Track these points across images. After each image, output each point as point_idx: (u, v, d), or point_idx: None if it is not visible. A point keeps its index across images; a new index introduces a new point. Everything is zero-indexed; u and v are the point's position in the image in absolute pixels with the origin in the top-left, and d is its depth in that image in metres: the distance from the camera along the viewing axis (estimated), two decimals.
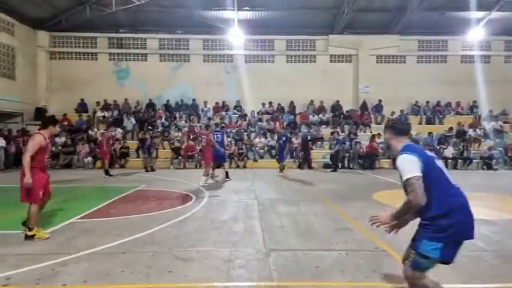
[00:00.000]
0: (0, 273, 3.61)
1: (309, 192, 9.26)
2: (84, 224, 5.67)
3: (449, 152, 16.34)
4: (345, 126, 18.47)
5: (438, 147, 16.77)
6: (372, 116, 19.32)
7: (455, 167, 15.90)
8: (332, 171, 14.60)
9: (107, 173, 12.25)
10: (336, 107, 19.46)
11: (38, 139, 4.83)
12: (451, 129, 17.86)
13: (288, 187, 10.05)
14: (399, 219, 2.64)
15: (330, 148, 16.35)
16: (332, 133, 16.76)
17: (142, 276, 3.61)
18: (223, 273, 3.69)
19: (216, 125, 14.10)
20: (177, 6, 17.89)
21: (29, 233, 4.77)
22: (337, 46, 19.84)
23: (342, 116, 19.17)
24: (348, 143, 16.27)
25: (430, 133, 17.31)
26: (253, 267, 3.84)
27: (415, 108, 19.78)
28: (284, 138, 13.21)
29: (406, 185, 2.47)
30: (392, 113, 19.19)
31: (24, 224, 4.94)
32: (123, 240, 4.74)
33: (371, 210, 6.78)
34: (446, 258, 2.49)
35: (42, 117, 5.92)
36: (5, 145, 14.85)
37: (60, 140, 15.93)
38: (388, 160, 15.97)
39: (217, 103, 19.50)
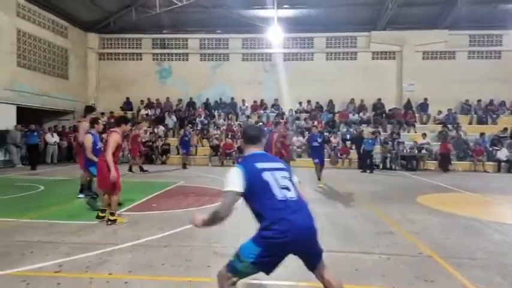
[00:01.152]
0: (54, 260, 3.87)
1: (349, 193, 9.02)
2: (129, 216, 5.92)
3: (503, 154, 15.24)
4: (388, 125, 17.81)
5: (491, 148, 15.70)
6: (416, 115, 18.48)
7: (509, 171, 14.81)
8: (361, 171, 14.07)
9: (141, 169, 12.74)
10: (378, 106, 18.82)
11: (116, 137, 5.38)
12: (505, 129, 16.67)
13: (326, 187, 9.87)
14: (208, 226, 2.66)
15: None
16: (373, 133, 16.19)
17: (182, 270, 3.71)
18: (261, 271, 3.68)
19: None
20: (217, 7, 18.21)
21: (111, 218, 5.36)
22: (379, 43, 19.21)
23: (383, 115, 18.51)
24: (390, 143, 15.71)
25: (482, 134, 16.25)
26: (292, 267, 3.77)
27: (465, 107, 18.67)
28: (321, 138, 10.80)
29: (221, 195, 2.54)
30: (439, 112, 18.30)
31: (98, 217, 5.51)
32: (165, 234, 4.91)
33: (415, 214, 6.49)
34: (260, 265, 2.45)
35: (118, 117, 6.53)
36: (58, 141, 15.97)
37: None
38: (434, 162, 15.32)
39: (255, 101, 19.60)
